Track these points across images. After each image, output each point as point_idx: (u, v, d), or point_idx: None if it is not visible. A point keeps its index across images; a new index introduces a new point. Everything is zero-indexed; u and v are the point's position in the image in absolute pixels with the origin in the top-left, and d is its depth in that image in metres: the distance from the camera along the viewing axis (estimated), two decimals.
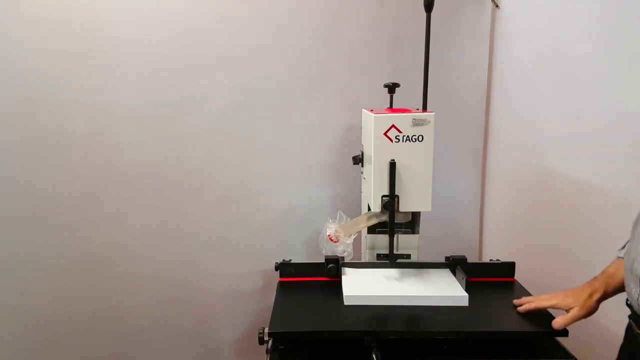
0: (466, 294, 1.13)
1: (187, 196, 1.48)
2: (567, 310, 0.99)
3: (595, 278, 1.00)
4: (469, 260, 1.27)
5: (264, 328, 1.04)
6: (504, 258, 1.32)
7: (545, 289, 1.28)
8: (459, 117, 1.59)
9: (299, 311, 1.12)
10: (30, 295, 1.41)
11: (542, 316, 1.08)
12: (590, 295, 0.97)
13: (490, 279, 1.29)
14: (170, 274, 1.51)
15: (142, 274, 1.49)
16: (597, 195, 1.21)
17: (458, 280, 1.21)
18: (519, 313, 1.09)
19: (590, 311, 0.98)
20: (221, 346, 1.60)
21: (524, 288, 1.25)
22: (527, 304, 1.08)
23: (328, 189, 1.58)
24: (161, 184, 1.45)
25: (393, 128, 1.12)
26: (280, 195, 1.56)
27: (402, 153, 1.12)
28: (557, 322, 1.01)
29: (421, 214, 1.25)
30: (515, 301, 1.11)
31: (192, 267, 1.53)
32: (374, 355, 0.95)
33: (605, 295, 0.97)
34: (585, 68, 1.23)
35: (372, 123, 1.12)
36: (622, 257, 0.94)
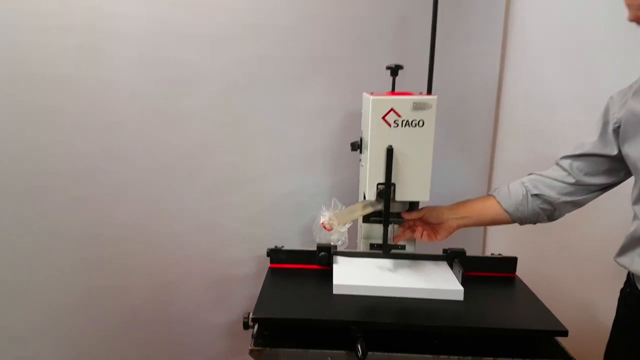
0: (461, 288, 1.09)
1: (180, 179, 1.45)
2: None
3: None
4: (471, 255, 1.22)
5: (249, 313, 1.00)
6: (508, 254, 1.26)
7: (550, 286, 1.23)
8: (467, 105, 1.53)
9: (286, 298, 1.09)
10: (22, 273, 1.39)
11: (542, 314, 1.03)
12: (447, 208, 1.11)
13: (490, 274, 1.24)
14: (163, 257, 1.49)
15: (135, 255, 1.46)
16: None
17: (454, 274, 1.16)
18: (516, 310, 1.04)
19: (435, 213, 1.12)
20: (213, 329, 1.57)
21: (525, 284, 1.20)
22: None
23: (326, 176, 1.53)
24: (153, 166, 1.42)
25: (392, 112, 1.07)
26: (276, 182, 1.51)
27: (401, 139, 1.07)
28: (408, 214, 1.14)
29: (420, 205, 1.20)
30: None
31: (185, 250, 1.50)
32: (358, 346, 0.91)
33: (455, 210, 1.10)
34: (602, 56, 1.17)
35: (369, 106, 1.07)
36: (490, 194, 1.10)
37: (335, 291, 1.09)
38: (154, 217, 1.45)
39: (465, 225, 1.12)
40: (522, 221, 1.08)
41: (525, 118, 1.47)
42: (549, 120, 1.37)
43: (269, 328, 1.00)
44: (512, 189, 1.07)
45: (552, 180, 1.03)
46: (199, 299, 1.55)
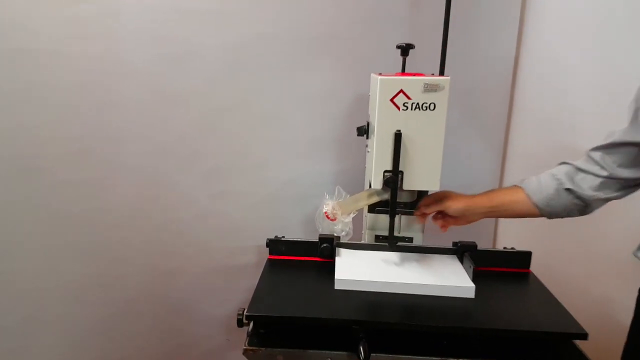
0: (472, 285, 1.01)
1: (178, 163, 1.38)
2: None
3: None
4: (481, 248, 1.15)
5: (243, 309, 0.94)
6: (521, 247, 1.19)
7: (565, 283, 1.16)
8: (481, 90, 1.44)
9: (284, 293, 1.02)
10: (11, 260, 1.34)
11: (559, 315, 0.96)
12: (469, 197, 1.01)
13: (502, 269, 1.16)
14: (160, 245, 1.43)
15: (130, 243, 1.41)
16: None
17: (465, 269, 1.09)
18: (531, 309, 0.97)
19: (457, 205, 1.01)
20: (211, 321, 1.52)
21: (540, 281, 1.12)
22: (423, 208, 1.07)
23: (330, 163, 1.46)
24: (150, 149, 1.35)
25: (401, 94, 0.98)
26: (278, 168, 1.44)
27: (410, 123, 0.99)
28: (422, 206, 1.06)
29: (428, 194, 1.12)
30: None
31: (183, 238, 1.44)
32: (360, 348, 0.84)
33: (479, 204, 1.00)
34: (623, 40, 1.08)
35: (377, 87, 0.99)
36: (517, 185, 1.00)
37: (337, 286, 1.03)
38: (149, 203, 1.39)
39: (487, 217, 1.04)
40: (552, 215, 0.98)
41: (541, 104, 1.39)
42: (567, 106, 1.29)
43: (264, 326, 0.93)
44: (543, 182, 0.96)
45: (585, 173, 0.93)
46: (196, 290, 1.49)
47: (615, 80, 1.11)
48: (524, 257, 1.16)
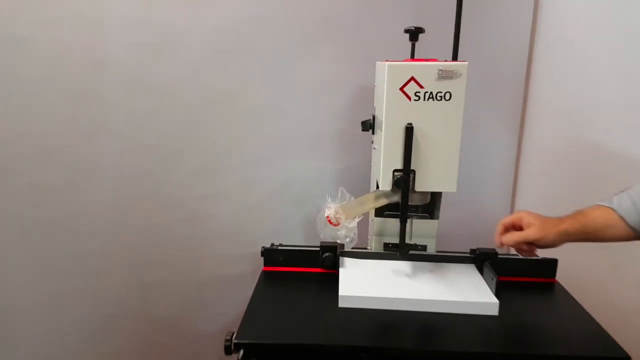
0: (496, 300, 0.89)
1: (161, 162, 1.25)
2: (524, 227, 0.85)
3: (568, 214, 0.86)
4: (502, 255, 1.03)
5: (232, 334, 0.81)
6: (541, 254, 1.05)
7: (590, 292, 1.04)
8: (493, 79, 1.31)
9: (280, 313, 0.89)
10: None
11: (595, 334, 0.83)
12: (555, 224, 0.83)
13: (525, 279, 1.03)
14: (142, 254, 1.30)
15: (108, 253, 1.28)
16: None
17: (486, 281, 0.96)
18: (563, 329, 0.84)
19: (548, 238, 0.83)
20: (201, 338, 1.39)
21: (568, 292, 1.00)
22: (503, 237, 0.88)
23: (332, 161, 1.33)
24: (129, 147, 1.22)
25: (412, 82, 0.85)
26: (274, 166, 1.32)
27: (423, 115, 0.86)
28: (508, 238, 0.85)
29: (442, 195, 1.01)
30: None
31: (168, 247, 1.31)
32: None
33: (569, 231, 0.83)
34: None
35: (385, 74, 0.86)
36: (605, 206, 0.83)
37: (341, 304, 0.90)
38: (128, 208, 1.26)
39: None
40: None
41: (558, 94, 1.27)
42: (586, 97, 1.18)
43: (257, 354, 0.80)
44: (638, 201, 0.83)
45: None
46: (184, 304, 1.36)
47: (638, 68, 0.99)
48: (549, 265, 1.04)
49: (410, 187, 0.90)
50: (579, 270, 1.08)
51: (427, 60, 0.89)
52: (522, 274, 1.04)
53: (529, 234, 0.83)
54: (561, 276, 1.05)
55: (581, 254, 1.15)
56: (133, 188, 1.25)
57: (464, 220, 1.38)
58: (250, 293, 0.96)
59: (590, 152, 1.16)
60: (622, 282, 1.12)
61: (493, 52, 1.29)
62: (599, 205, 0.85)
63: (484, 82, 1.30)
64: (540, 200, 1.36)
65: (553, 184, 1.30)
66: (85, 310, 1.29)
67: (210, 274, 1.35)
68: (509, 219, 0.88)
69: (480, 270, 1.01)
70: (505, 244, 0.86)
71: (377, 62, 1.02)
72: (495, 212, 1.44)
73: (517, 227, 0.87)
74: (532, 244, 0.86)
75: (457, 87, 0.85)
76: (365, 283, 0.95)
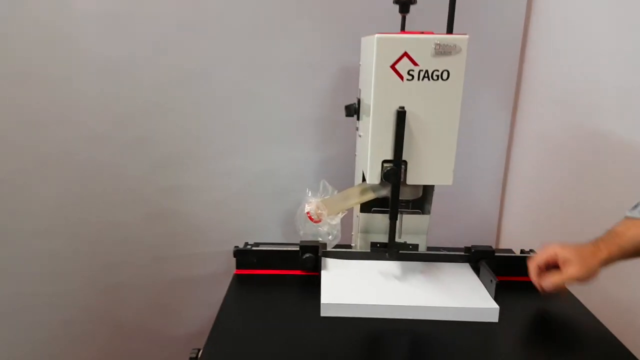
0: (496, 306, 0.79)
1: (118, 152, 1.12)
2: (564, 266, 0.76)
3: (599, 238, 0.77)
4: (499, 253, 0.94)
5: (198, 350, 0.70)
6: (529, 245, 0.99)
7: (594, 291, 0.96)
8: (484, 60, 1.20)
9: (253, 325, 0.78)
10: None
11: (604, 341, 0.75)
12: (594, 254, 0.75)
13: (524, 279, 0.94)
14: (101, 255, 1.17)
15: (63, 253, 1.14)
16: None
17: (483, 283, 0.86)
18: (574, 337, 0.76)
19: (591, 273, 0.74)
20: (170, 343, 1.28)
21: (571, 293, 0.91)
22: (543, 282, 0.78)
23: (314, 151, 1.22)
24: (81, 135, 1.08)
25: (405, 58, 0.74)
26: (248, 157, 1.20)
27: (417, 97, 0.75)
28: (549, 282, 0.76)
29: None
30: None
31: (130, 246, 1.18)
32: None
33: (610, 258, 0.74)
34: None
35: (374, 49, 0.74)
36: (634, 218, 0.76)
37: (323, 312, 0.79)
38: (82, 204, 1.13)
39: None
40: None
41: (555, 78, 1.19)
42: (585, 81, 1.09)
43: None
44: None
45: None
46: (151, 307, 1.24)
47: None
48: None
49: (402, 179, 0.79)
50: None
51: (421, 33, 0.78)
52: (520, 273, 0.94)
53: (572, 274, 0.74)
54: None
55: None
56: (88, 182, 1.11)
57: (449, 210, 1.28)
58: (222, 295, 0.86)
59: (591, 140, 1.07)
60: (630, 279, 1.05)
61: (485, 31, 1.19)
62: (629, 218, 0.77)
63: (474, 64, 1.19)
64: (534, 192, 1.28)
65: (548, 175, 1.21)
66: (40, 317, 1.16)
67: (179, 275, 1.23)
68: (542, 258, 0.79)
69: (476, 270, 0.92)
70: (547, 289, 0.77)
71: (363, 38, 0.91)
72: (485, 204, 1.35)
73: (551, 265, 0.79)
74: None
75: (456, 64, 0.75)
76: (350, 288, 0.84)
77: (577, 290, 0.92)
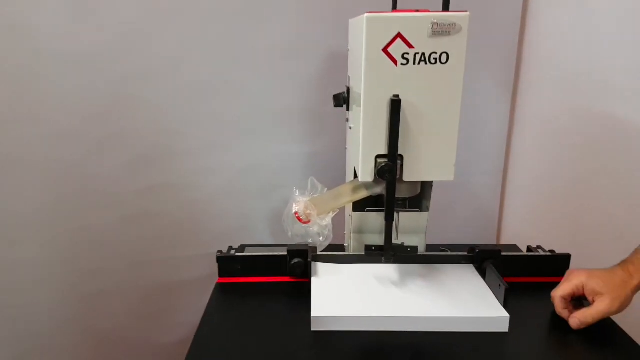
0: (506, 315, 0.72)
1: (87, 151, 1.02)
2: (593, 300, 0.70)
3: (627, 261, 0.71)
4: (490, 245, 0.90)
5: None
6: (532, 238, 0.93)
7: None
8: (479, 41, 1.10)
9: (236, 342, 0.70)
10: None
11: (627, 348, 0.68)
12: (625, 282, 0.68)
13: (534, 279, 0.87)
14: (75, 262, 1.08)
15: (33, 260, 1.05)
16: None
17: (491, 288, 0.79)
18: (584, 340, 0.68)
19: (624, 305, 0.68)
20: (157, 350, 1.19)
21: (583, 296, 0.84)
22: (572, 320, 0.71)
23: (300, 145, 1.13)
24: (46, 133, 0.98)
25: (399, 40, 0.65)
26: (230, 152, 1.10)
27: (413, 84, 0.67)
28: (577, 320, 0.70)
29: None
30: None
31: (106, 251, 1.09)
32: None
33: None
34: None
35: (363, 31, 0.65)
36: None
37: (314, 326, 0.71)
38: (54, 207, 1.03)
39: None
40: None
41: (557, 58, 1.10)
42: (591, 61, 1.01)
43: None
44: None
45: None
46: (131, 314, 1.15)
47: None
48: (561, 262, 0.88)
49: (398, 176, 0.71)
50: (593, 266, 0.93)
51: (416, 11, 0.68)
52: (529, 273, 0.87)
53: (603, 309, 0.68)
54: None
55: (595, 249, 1.00)
56: (57, 184, 1.02)
57: (451, 204, 1.21)
58: (205, 300, 0.79)
59: (599, 125, 0.99)
60: None
61: (481, 8, 1.08)
62: None
63: (469, 45, 1.11)
64: (536, 182, 1.20)
65: (551, 161, 1.13)
66: (14, 327, 1.07)
67: (161, 281, 1.15)
68: (567, 290, 0.72)
69: (480, 271, 0.84)
70: (575, 327, 0.70)
71: (351, 20, 0.82)
72: (484, 195, 1.27)
73: (577, 296, 0.72)
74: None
75: (456, 45, 0.66)
76: (343, 298, 0.76)
77: None
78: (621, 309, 0.68)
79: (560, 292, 0.72)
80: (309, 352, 0.67)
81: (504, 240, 1.29)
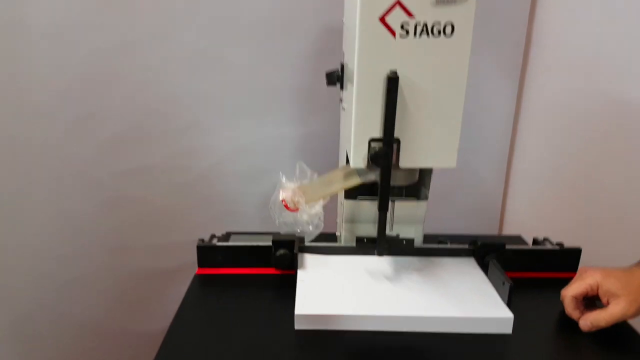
0: (510, 315, 0.65)
1: (64, 132, 0.95)
2: (607, 301, 0.64)
3: None
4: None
5: None
6: (537, 229, 0.86)
7: None
8: (488, 14, 1.03)
9: (213, 341, 0.63)
10: None
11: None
12: None
13: (541, 274, 0.81)
14: (50, 248, 1.02)
15: (10, 245, 0.98)
16: None
17: (493, 285, 0.72)
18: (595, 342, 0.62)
19: None
20: (132, 342, 1.15)
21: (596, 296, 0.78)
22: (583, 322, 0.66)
23: (290, 126, 1.06)
24: (18, 113, 0.91)
25: (398, 8, 0.58)
26: (215, 134, 1.03)
27: (413, 59, 0.59)
28: (588, 322, 0.64)
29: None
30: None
31: (83, 237, 1.03)
32: None
33: None
34: None
35: (357, 0, 0.58)
36: None
37: (297, 325, 0.65)
38: (27, 191, 0.96)
39: None
40: None
41: (569, 38, 1.02)
42: (604, 43, 0.93)
43: None
44: None
45: None
46: (109, 303, 1.10)
47: None
48: (571, 257, 0.81)
49: (393, 162, 0.64)
50: (603, 262, 0.87)
51: None
52: (536, 268, 0.81)
53: (619, 313, 0.62)
54: None
55: (605, 243, 0.94)
56: (31, 168, 0.95)
57: (451, 190, 1.14)
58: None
59: (612, 109, 0.92)
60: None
61: None
62: None
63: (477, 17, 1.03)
64: (542, 168, 1.13)
65: (559, 148, 1.07)
66: None
67: (142, 268, 1.09)
68: (580, 289, 0.66)
69: (482, 265, 0.78)
70: (587, 330, 0.65)
71: None
72: (487, 182, 1.21)
73: (590, 296, 0.66)
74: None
75: (462, 15, 0.58)
76: (331, 294, 0.70)
77: None
78: (638, 313, 0.62)
79: (572, 292, 0.66)
80: (290, 354, 0.61)
81: (507, 231, 1.23)
